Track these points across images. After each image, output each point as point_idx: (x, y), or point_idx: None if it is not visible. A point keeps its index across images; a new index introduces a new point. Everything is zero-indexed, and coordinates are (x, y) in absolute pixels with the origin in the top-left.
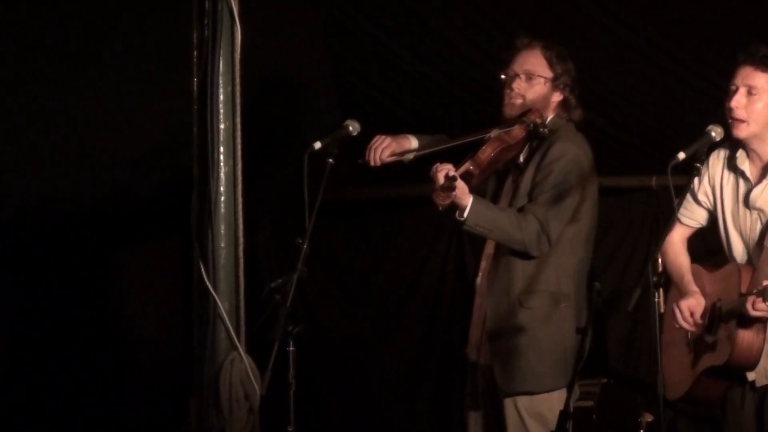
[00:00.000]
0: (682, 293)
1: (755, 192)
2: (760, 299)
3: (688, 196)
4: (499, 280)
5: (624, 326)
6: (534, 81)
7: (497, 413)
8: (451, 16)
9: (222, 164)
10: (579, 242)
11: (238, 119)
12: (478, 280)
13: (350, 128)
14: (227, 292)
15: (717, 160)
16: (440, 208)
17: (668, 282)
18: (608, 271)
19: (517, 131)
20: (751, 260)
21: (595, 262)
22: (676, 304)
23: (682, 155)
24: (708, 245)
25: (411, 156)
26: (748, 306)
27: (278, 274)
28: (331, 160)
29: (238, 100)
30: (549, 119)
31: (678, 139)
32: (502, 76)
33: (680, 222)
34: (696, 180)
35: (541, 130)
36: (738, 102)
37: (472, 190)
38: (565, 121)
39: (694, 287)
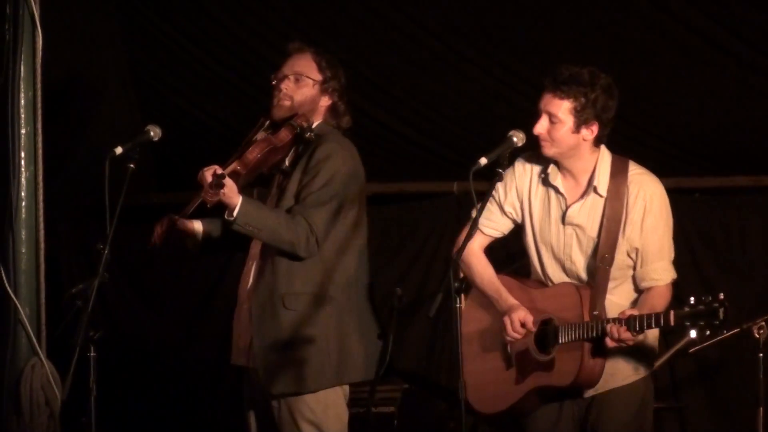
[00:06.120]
0: (501, 307)
1: (573, 210)
2: (624, 328)
3: (492, 206)
4: (264, 282)
5: (425, 332)
6: (302, 83)
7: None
8: (248, 20)
9: (23, 169)
10: (346, 245)
11: (39, 124)
12: (245, 282)
13: (151, 133)
14: (28, 298)
15: (524, 172)
16: (209, 206)
17: (469, 288)
18: (410, 276)
19: (284, 134)
20: (569, 273)
21: (397, 266)
22: (507, 317)
23: (483, 160)
24: (509, 250)
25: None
26: (614, 334)
27: (79, 280)
28: (132, 165)
29: (39, 105)
30: (316, 124)
31: (480, 145)
32: (273, 81)
33: (482, 232)
34: (501, 190)
35: (308, 134)
36: (541, 127)
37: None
38: (333, 128)
39: (513, 300)
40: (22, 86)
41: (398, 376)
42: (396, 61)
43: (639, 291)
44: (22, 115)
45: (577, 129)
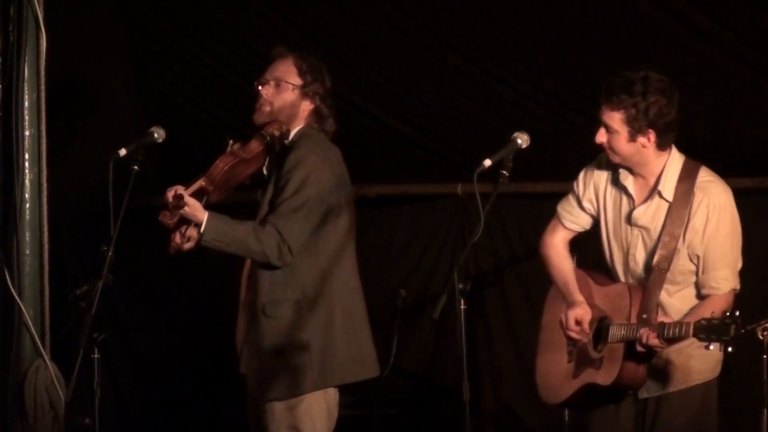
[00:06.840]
0: (567, 302)
1: (638, 211)
2: (654, 334)
3: (572, 201)
4: (251, 291)
5: (430, 333)
6: (282, 88)
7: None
8: (252, 21)
9: (27, 171)
10: (327, 250)
11: (44, 126)
12: (241, 292)
13: (155, 135)
14: (32, 299)
15: (600, 170)
16: (170, 228)
17: (473, 289)
18: (414, 278)
19: (254, 145)
20: (632, 273)
21: (401, 267)
22: (564, 313)
23: (488, 162)
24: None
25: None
26: (642, 338)
27: (83, 281)
28: (136, 167)
29: (43, 107)
30: (298, 129)
31: (484, 147)
32: (259, 87)
33: (564, 226)
34: (581, 185)
35: (282, 141)
36: (601, 137)
37: (211, 206)
38: (316, 131)
39: (579, 296)
40: (26, 88)
41: (402, 377)
42: (399, 62)
43: (702, 297)
44: (26, 117)
45: (632, 138)
